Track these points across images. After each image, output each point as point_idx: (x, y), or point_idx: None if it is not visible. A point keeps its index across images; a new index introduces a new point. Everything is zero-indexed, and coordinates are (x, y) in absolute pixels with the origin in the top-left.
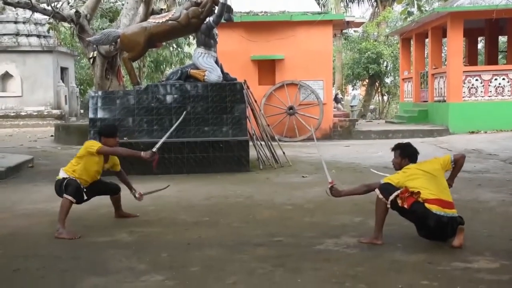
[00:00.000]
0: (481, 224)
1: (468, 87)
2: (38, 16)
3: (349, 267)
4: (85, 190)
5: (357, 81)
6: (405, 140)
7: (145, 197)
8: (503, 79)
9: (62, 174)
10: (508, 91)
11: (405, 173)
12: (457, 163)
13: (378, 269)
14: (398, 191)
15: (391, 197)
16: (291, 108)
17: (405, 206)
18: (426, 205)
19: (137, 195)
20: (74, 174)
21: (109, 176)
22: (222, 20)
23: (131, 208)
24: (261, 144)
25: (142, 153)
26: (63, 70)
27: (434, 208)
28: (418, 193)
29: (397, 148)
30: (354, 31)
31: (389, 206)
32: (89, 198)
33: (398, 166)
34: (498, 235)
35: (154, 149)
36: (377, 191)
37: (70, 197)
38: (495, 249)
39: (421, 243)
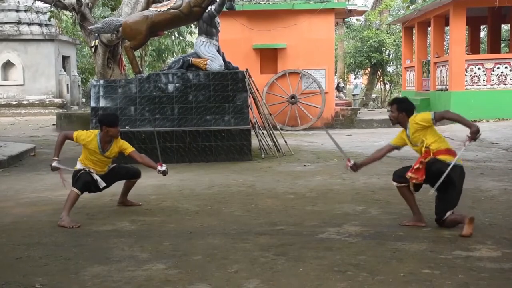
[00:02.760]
0: (483, 212)
1: (471, 75)
2: (39, 4)
3: (351, 255)
4: (99, 179)
5: (359, 70)
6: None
7: (147, 186)
8: (506, 67)
9: (78, 165)
10: (511, 79)
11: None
12: (447, 116)
13: (380, 258)
14: (409, 174)
15: (408, 175)
16: (293, 97)
17: (420, 180)
18: (438, 157)
19: (162, 169)
20: (85, 163)
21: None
22: (224, 9)
23: (134, 197)
24: (263, 133)
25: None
26: (65, 58)
27: (446, 158)
28: (427, 152)
29: (393, 102)
30: (356, 19)
31: (413, 190)
32: (109, 184)
33: (395, 120)
34: (500, 224)
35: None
36: (393, 183)
37: (76, 190)
38: (496, 237)
39: (422, 232)
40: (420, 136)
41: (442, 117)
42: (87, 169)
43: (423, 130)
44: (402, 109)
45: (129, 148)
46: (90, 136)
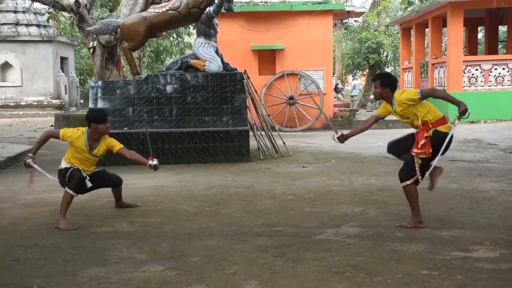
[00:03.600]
0: (481, 213)
1: (468, 76)
2: (37, 5)
3: (350, 256)
4: (88, 178)
5: (357, 71)
6: (408, 131)
7: (145, 187)
8: (503, 68)
9: (63, 164)
10: (508, 80)
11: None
12: (434, 95)
13: (379, 259)
14: (416, 150)
15: (417, 171)
16: (291, 98)
17: (428, 154)
18: (439, 128)
19: (153, 163)
20: (71, 161)
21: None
22: (222, 10)
23: (131, 198)
24: (261, 134)
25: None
26: (63, 60)
27: (444, 128)
28: (426, 124)
29: (377, 78)
30: (355, 21)
31: (420, 178)
32: (94, 188)
33: (379, 96)
34: (498, 225)
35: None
36: (401, 184)
37: (70, 191)
38: (494, 238)
39: (421, 233)
40: (411, 110)
41: (428, 95)
42: (75, 167)
43: (411, 106)
44: (386, 83)
45: (117, 145)
46: (77, 133)
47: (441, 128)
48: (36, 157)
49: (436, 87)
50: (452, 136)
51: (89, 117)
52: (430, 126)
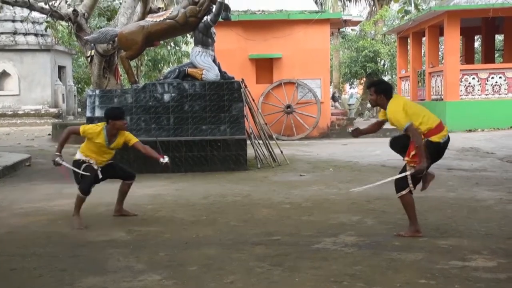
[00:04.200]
0: (479, 222)
1: (465, 85)
2: (35, 14)
3: (347, 266)
4: (100, 169)
5: (355, 79)
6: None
7: (143, 195)
8: (500, 77)
9: (78, 155)
10: (505, 89)
11: (400, 105)
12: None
13: (376, 268)
14: (408, 173)
15: (409, 182)
16: (288, 106)
17: (417, 163)
18: (431, 139)
19: (165, 161)
20: (87, 154)
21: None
22: (220, 19)
23: (129, 206)
24: (259, 142)
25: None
26: (61, 68)
27: (437, 138)
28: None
29: (371, 85)
30: (352, 29)
31: (413, 188)
32: (104, 178)
33: (374, 103)
34: (495, 234)
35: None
36: (398, 195)
37: (81, 195)
38: (492, 247)
39: (418, 242)
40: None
41: (410, 133)
42: (88, 161)
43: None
44: (381, 91)
45: (133, 139)
46: (97, 129)
47: (433, 138)
48: (61, 155)
49: (433, 96)
50: (446, 144)
51: (108, 115)
52: (422, 137)
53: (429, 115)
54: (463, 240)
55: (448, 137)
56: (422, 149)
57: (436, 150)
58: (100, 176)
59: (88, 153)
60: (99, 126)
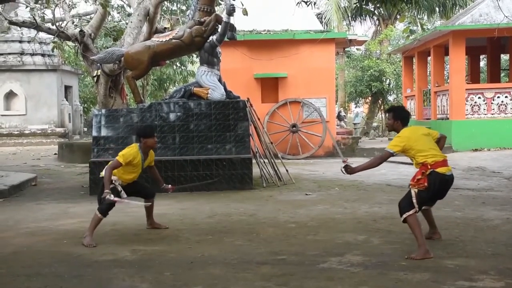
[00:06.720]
0: (486, 242)
1: (471, 104)
2: (42, 35)
3: (353, 285)
4: (121, 189)
5: (360, 98)
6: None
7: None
8: (506, 96)
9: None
10: (511, 108)
11: (404, 137)
12: (441, 139)
13: None
14: (415, 190)
15: (414, 202)
16: (294, 125)
17: (422, 186)
18: (437, 170)
19: (168, 187)
20: (118, 175)
21: None
22: (225, 39)
23: (135, 226)
24: (264, 161)
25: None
26: (67, 88)
27: (443, 170)
28: (425, 165)
29: (390, 110)
30: (357, 49)
31: (418, 210)
32: (128, 194)
33: (391, 128)
34: (503, 254)
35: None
36: (403, 217)
37: (99, 215)
38: (500, 267)
39: (425, 262)
40: (408, 150)
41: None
42: (114, 181)
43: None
44: (398, 117)
45: (153, 161)
46: (132, 150)
47: (439, 170)
48: (110, 191)
49: (439, 115)
50: (451, 179)
51: (139, 133)
52: (429, 167)
53: (436, 151)
54: (470, 260)
55: (452, 175)
56: (371, 167)
57: (439, 181)
58: (125, 196)
59: (117, 173)
60: (134, 147)
